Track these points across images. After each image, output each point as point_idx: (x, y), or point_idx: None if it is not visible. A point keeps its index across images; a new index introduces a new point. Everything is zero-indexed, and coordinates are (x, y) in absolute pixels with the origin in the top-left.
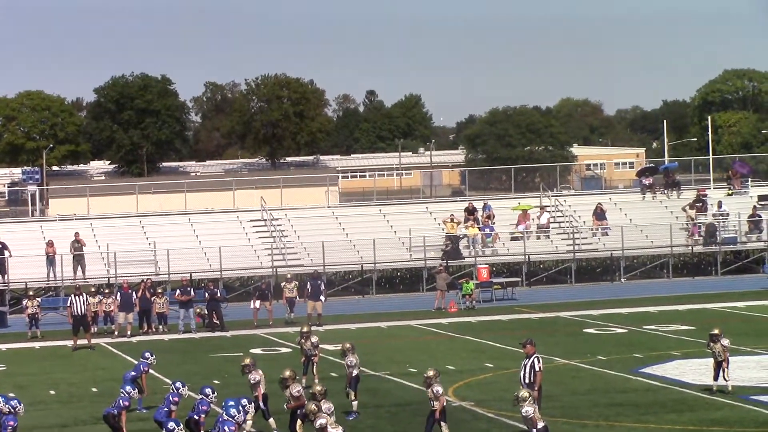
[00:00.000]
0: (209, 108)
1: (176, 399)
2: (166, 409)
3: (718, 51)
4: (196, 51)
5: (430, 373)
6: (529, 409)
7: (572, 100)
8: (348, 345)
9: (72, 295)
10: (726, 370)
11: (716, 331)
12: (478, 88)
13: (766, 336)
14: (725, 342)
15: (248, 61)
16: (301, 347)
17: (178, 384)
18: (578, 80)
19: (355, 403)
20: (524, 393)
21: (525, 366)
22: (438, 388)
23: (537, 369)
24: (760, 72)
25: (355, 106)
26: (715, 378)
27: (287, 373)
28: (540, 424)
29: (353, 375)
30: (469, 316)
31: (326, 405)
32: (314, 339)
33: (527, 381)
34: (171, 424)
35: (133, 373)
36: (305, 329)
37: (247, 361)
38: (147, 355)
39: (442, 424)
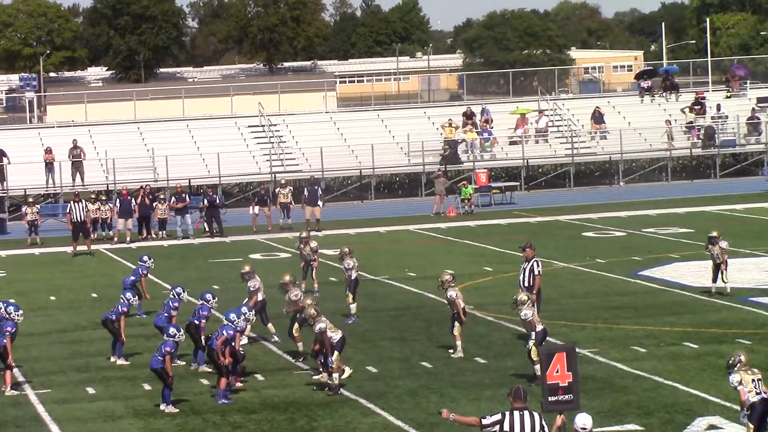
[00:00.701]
0: (206, 13)
1: (176, 304)
2: (166, 314)
3: None
4: None
5: (446, 277)
6: (527, 312)
7: (570, 2)
8: (346, 249)
9: (71, 202)
10: (724, 272)
11: (715, 234)
12: None
13: (764, 238)
14: (723, 244)
15: None
16: (300, 252)
17: (179, 289)
18: None
19: (353, 306)
20: (523, 296)
21: (524, 269)
22: (451, 293)
23: (536, 272)
24: None
25: (353, 10)
26: (714, 280)
27: (286, 278)
28: (539, 327)
29: (352, 278)
30: (468, 220)
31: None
32: (313, 244)
33: (526, 284)
34: (172, 330)
35: (132, 278)
36: (304, 234)
37: (247, 268)
38: (145, 258)
39: (457, 323)
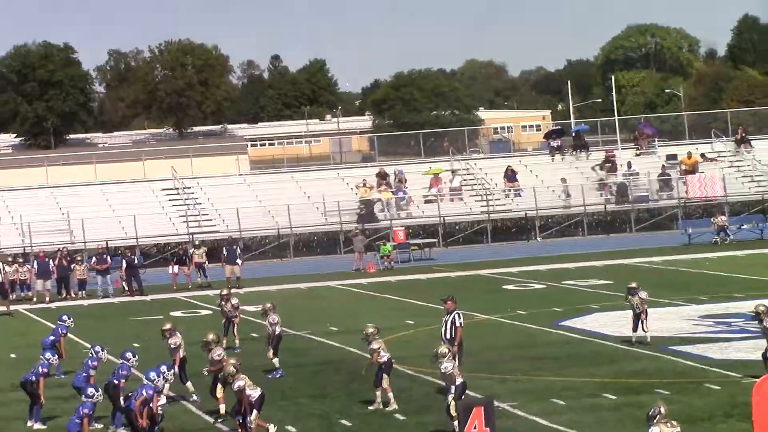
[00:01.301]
0: (113, 77)
1: (95, 363)
2: (84, 374)
3: (622, 7)
4: (98, 17)
5: (370, 329)
6: (447, 365)
7: (477, 61)
8: (269, 304)
9: None
10: (645, 321)
11: (633, 285)
12: (382, 52)
13: (683, 288)
14: (643, 294)
15: (151, 26)
16: (222, 309)
17: (98, 348)
18: (482, 41)
19: (275, 360)
20: (443, 349)
21: (446, 322)
22: (374, 345)
23: (458, 324)
24: (662, 27)
25: (260, 72)
26: (634, 329)
27: (210, 337)
28: (459, 380)
29: (276, 333)
30: (388, 276)
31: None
32: (234, 301)
33: (448, 336)
34: (90, 390)
35: (51, 338)
36: (225, 292)
37: (167, 325)
38: (64, 318)
39: (385, 375)
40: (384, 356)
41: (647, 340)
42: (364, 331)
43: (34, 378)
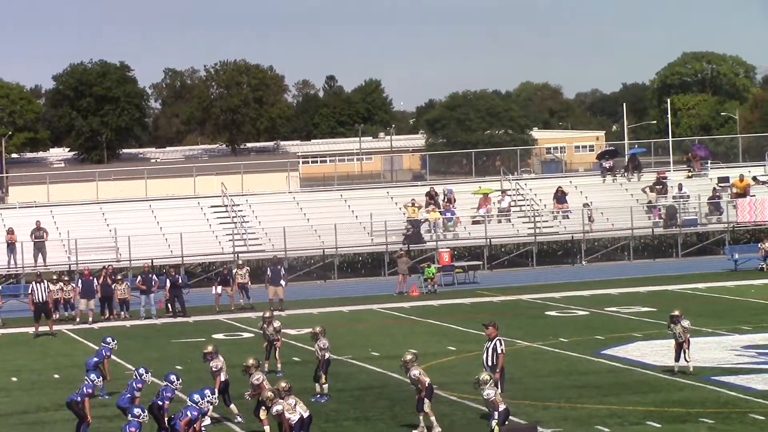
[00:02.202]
0: (169, 94)
1: (139, 385)
2: (129, 395)
3: (677, 33)
4: (155, 37)
5: (408, 357)
6: (490, 392)
7: (532, 84)
8: (319, 328)
9: (33, 282)
10: (687, 351)
11: (676, 313)
12: (438, 73)
13: (726, 317)
14: (685, 323)
15: (207, 47)
16: (264, 332)
17: (141, 370)
18: (538, 64)
19: (326, 386)
20: (485, 376)
21: (487, 349)
22: (414, 372)
23: (499, 351)
24: (718, 54)
25: (315, 91)
26: (677, 359)
27: (250, 362)
28: (501, 407)
29: (325, 358)
30: (430, 299)
31: (291, 400)
32: (276, 324)
33: (489, 363)
34: (136, 410)
35: (95, 359)
36: (267, 314)
37: (209, 348)
38: (108, 340)
39: (426, 400)
40: (425, 380)
41: (690, 370)
42: (401, 358)
43: (79, 398)
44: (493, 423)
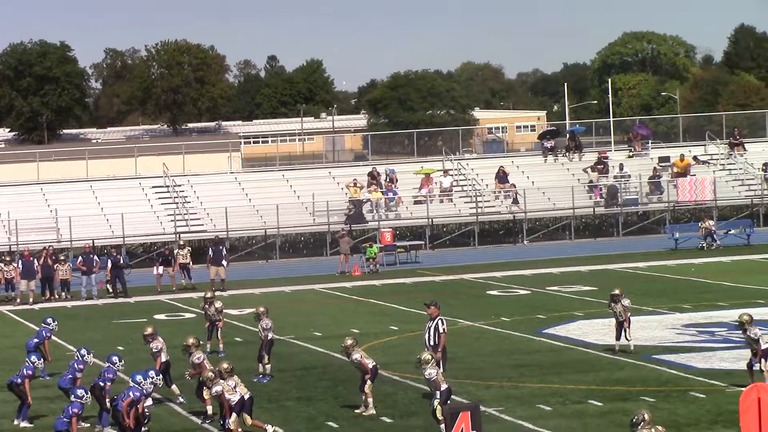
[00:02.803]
0: (109, 74)
1: (81, 366)
2: (70, 376)
3: (618, 14)
4: (95, 17)
5: (348, 342)
6: (431, 371)
7: (473, 63)
8: (262, 308)
9: None
10: (627, 330)
11: (617, 291)
12: (380, 53)
13: (667, 296)
14: (626, 302)
15: (148, 26)
16: (205, 312)
17: (83, 351)
18: (479, 44)
19: (268, 366)
20: (426, 356)
21: (429, 328)
22: (355, 356)
23: (441, 331)
24: (658, 34)
25: (257, 71)
26: (617, 338)
27: (190, 341)
28: (443, 386)
29: (268, 338)
30: (372, 279)
31: (231, 381)
32: (218, 304)
33: (431, 343)
34: (79, 392)
35: (36, 340)
36: (209, 294)
37: (149, 330)
38: (49, 321)
39: (369, 381)
40: (367, 363)
41: (630, 349)
42: (342, 344)
43: (19, 380)
44: (435, 402)
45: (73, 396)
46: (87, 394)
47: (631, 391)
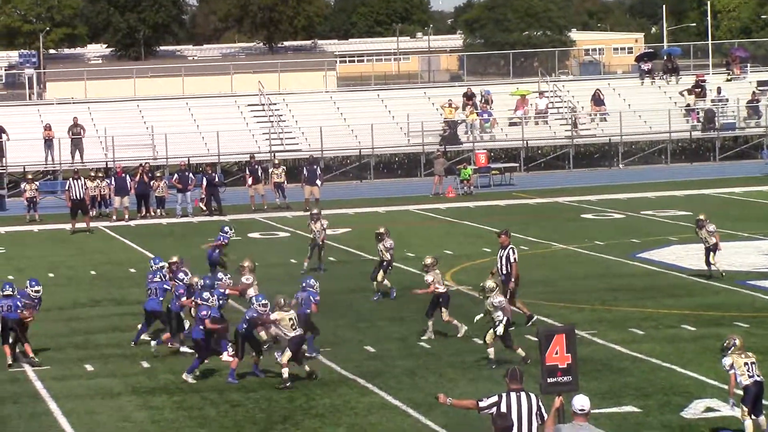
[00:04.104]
0: None
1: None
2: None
3: None
4: None
5: (428, 260)
6: (501, 298)
7: None
8: (383, 229)
9: (70, 179)
10: (713, 254)
11: (701, 217)
12: None
13: (763, 221)
14: (711, 227)
15: None
16: (311, 229)
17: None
18: None
19: (386, 283)
20: (491, 283)
21: (501, 258)
22: (428, 278)
23: (512, 260)
24: None
25: None
26: (706, 263)
27: (246, 263)
28: (509, 314)
29: (388, 258)
30: (466, 201)
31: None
32: (324, 222)
33: (504, 272)
34: (205, 294)
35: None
36: (315, 210)
37: (174, 258)
38: (226, 229)
39: (443, 309)
40: (441, 288)
41: (719, 273)
42: (423, 262)
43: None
44: (501, 327)
45: (198, 299)
46: (213, 296)
47: (724, 316)
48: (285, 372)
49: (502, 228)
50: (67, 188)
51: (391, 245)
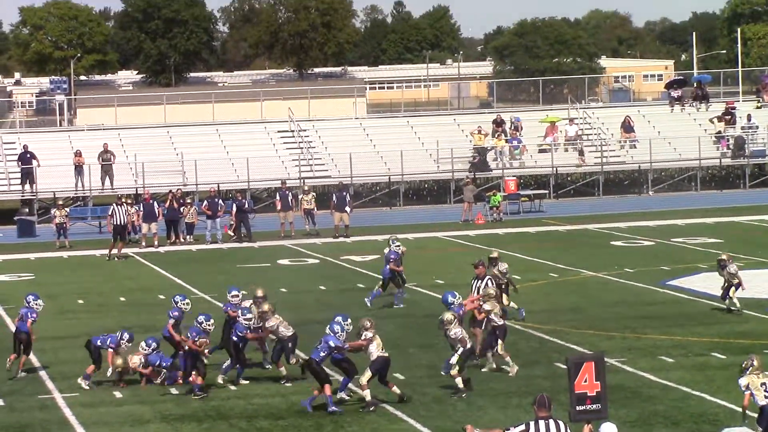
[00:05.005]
0: (237, 18)
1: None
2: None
3: None
4: None
5: (490, 290)
6: (457, 330)
7: (601, 11)
8: (496, 254)
9: (114, 204)
10: (735, 289)
11: (723, 257)
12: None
13: None
14: (732, 269)
15: None
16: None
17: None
18: None
19: (513, 304)
20: (449, 315)
21: (477, 289)
22: (486, 306)
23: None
24: None
25: (383, 17)
26: (722, 297)
27: (266, 307)
28: (468, 344)
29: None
30: (496, 228)
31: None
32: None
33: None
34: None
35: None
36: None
37: (260, 293)
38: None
39: (500, 341)
40: (498, 321)
41: (737, 310)
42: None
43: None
44: (455, 358)
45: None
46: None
47: (755, 344)
48: (367, 394)
49: (477, 260)
50: (110, 213)
51: (506, 269)
